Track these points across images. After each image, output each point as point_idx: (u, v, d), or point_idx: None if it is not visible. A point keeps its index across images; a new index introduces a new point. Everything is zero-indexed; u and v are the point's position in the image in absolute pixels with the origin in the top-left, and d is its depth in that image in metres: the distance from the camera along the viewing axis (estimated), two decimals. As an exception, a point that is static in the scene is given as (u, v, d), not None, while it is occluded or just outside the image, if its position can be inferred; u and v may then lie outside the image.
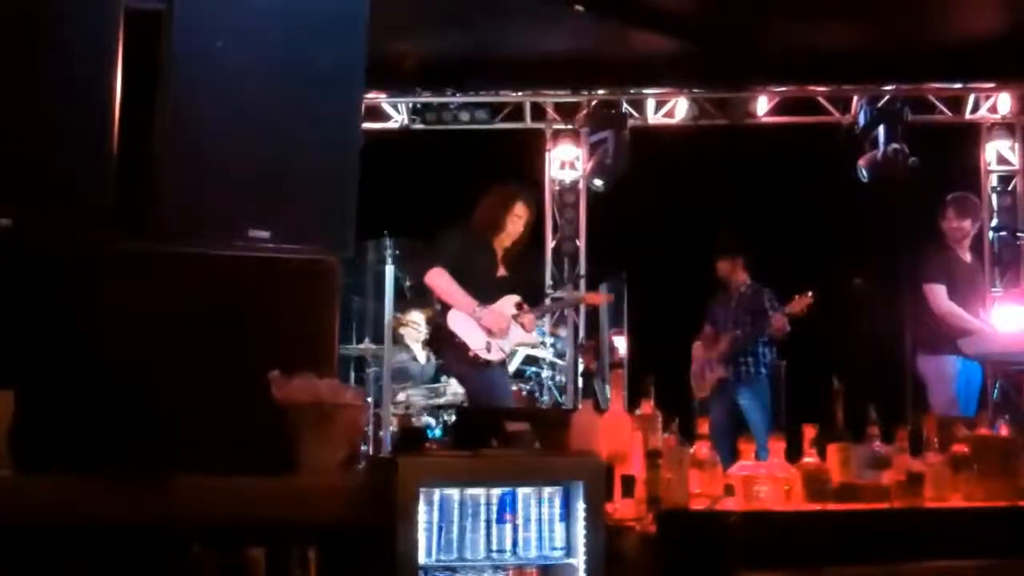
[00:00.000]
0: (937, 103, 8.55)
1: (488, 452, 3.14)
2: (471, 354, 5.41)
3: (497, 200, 5.69)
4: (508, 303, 5.61)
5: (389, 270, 6.77)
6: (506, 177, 6.14)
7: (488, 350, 5.43)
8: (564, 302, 6.17)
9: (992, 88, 8.51)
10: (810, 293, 6.77)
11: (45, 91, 3.14)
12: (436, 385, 7.58)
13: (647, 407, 3.53)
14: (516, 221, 5.66)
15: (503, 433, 3.23)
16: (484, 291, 5.48)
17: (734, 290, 7.07)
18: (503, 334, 5.48)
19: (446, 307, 5.48)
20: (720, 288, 7.17)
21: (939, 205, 6.48)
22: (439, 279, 5.43)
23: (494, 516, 2.94)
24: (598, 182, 8.33)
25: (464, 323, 5.43)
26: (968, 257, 6.41)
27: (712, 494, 3.33)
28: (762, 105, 8.59)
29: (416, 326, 8.00)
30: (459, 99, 8.59)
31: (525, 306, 5.71)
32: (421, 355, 8.04)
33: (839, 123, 8.57)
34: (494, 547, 2.94)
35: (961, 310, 6.10)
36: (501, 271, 5.66)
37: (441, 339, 5.64)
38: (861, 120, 8.32)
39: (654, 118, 8.69)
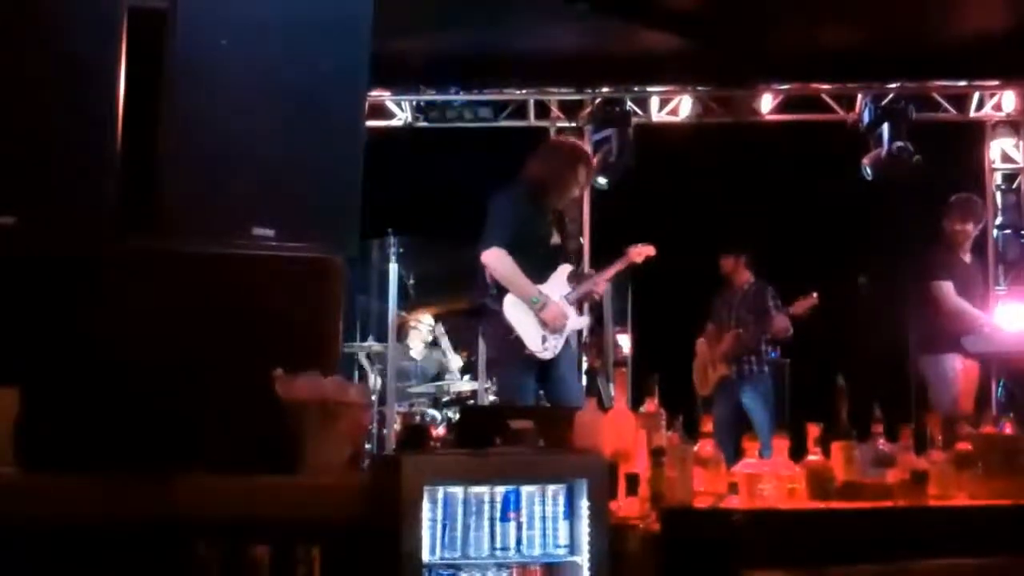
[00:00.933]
0: (941, 101, 8.53)
1: (492, 450, 3.14)
2: (526, 352, 5.02)
3: (563, 161, 5.28)
4: (561, 276, 5.24)
5: (393, 268, 6.78)
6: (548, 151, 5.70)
7: (544, 348, 5.04)
8: (615, 265, 5.66)
9: (996, 86, 8.49)
10: (814, 294, 6.76)
11: (49, 90, 3.15)
12: (440, 383, 7.59)
13: (651, 405, 3.54)
14: (577, 186, 5.32)
15: (507, 431, 3.24)
16: (539, 261, 5.09)
17: (737, 288, 7.06)
18: (560, 329, 5.10)
19: (501, 292, 5.03)
20: (723, 286, 7.17)
21: (943, 204, 6.48)
22: (499, 260, 4.97)
23: (498, 514, 2.94)
24: (602, 180, 8.31)
25: (521, 314, 5.01)
26: (968, 259, 6.42)
27: (716, 492, 3.33)
28: (766, 103, 8.58)
29: (420, 325, 8.02)
30: (463, 97, 8.58)
31: (592, 271, 5.36)
32: (421, 354, 8.05)
33: (843, 121, 8.56)
34: (498, 545, 2.94)
35: (970, 306, 6.12)
36: (555, 238, 5.26)
37: (490, 329, 5.17)
38: (865, 118, 8.31)
39: (658, 116, 8.68)
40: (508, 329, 5.02)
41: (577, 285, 5.33)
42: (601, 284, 5.48)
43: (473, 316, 5.51)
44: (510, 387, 5.21)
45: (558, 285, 5.20)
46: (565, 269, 5.29)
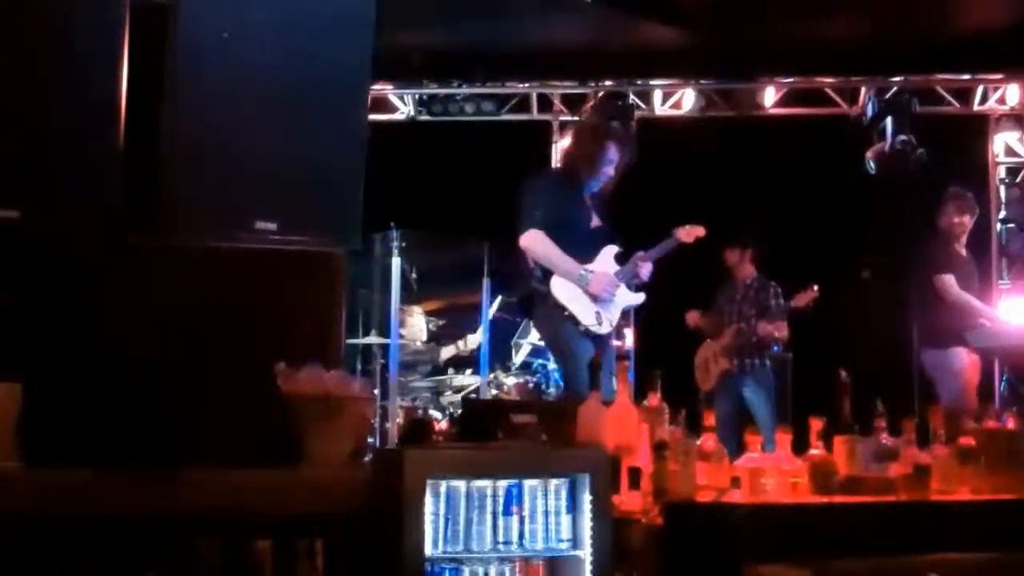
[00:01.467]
0: (945, 95, 8.53)
1: (494, 444, 3.14)
2: (582, 328, 5.00)
3: (589, 140, 5.26)
4: (607, 256, 5.18)
5: (395, 262, 6.78)
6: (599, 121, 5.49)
7: (599, 322, 5.02)
8: (662, 247, 5.43)
9: (1000, 79, 8.48)
10: (815, 287, 6.75)
11: (51, 87, 3.14)
12: (442, 377, 7.60)
13: (653, 399, 3.54)
14: (608, 165, 5.18)
15: (509, 425, 3.24)
16: (580, 246, 5.04)
17: (740, 282, 7.05)
18: (611, 299, 5.06)
19: (547, 274, 5.01)
20: (726, 279, 7.16)
21: (943, 196, 6.48)
22: (537, 243, 4.96)
23: (500, 508, 2.94)
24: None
25: (569, 292, 4.99)
26: (964, 252, 6.42)
27: (718, 486, 3.33)
28: (769, 96, 8.57)
29: (421, 318, 8.02)
30: (465, 90, 8.58)
31: (640, 253, 5.24)
32: (424, 348, 8.04)
33: (847, 115, 8.55)
34: (500, 539, 2.94)
35: (973, 298, 6.12)
36: (595, 221, 5.20)
37: (543, 311, 5.13)
38: (869, 112, 8.30)
39: (661, 109, 8.68)
40: (561, 307, 4.99)
41: (624, 266, 5.24)
42: (645, 267, 5.32)
43: (522, 305, 5.45)
44: (572, 354, 5.06)
45: (605, 265, 5.14)
46: (611, 250, 5.22)
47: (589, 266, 5.05)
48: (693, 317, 7.09)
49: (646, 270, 5.29)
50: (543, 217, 4.97)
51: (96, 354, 3.18)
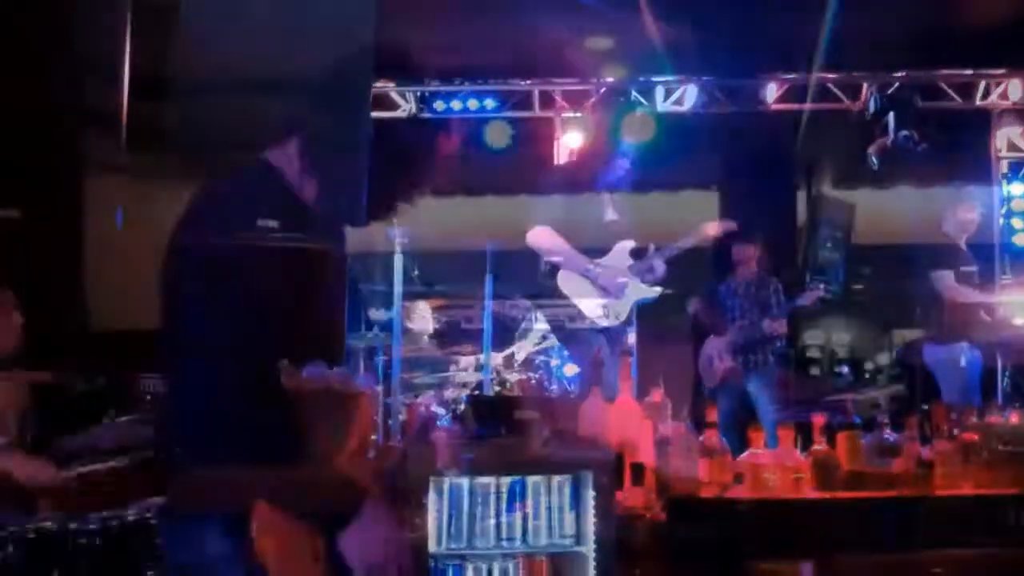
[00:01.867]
0: (947, 90, 8.51)
1: (498, 441, 3.14)
2: (587, 322, 5.08)
3: (600, 136, 5.42)
4: (622, 251, 5.23)
5: (398, 259, 6.77)
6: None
7: (605, 315, 5.09)
8: (684, 241, 5.44)
9: (1003, 74, 8.46)
10: (821, 286, 6.75)
11: (52, 88, 3.15)
12: (445, 374, 7.59)
13: (656, 395, 3.54)
14: (622, 158, 5.28)
15: (513, 422, 3.24)
16: (592, 240, 5.10)
17: (741, 279, 7.04)
18: (620, 292, 5.09)
19: (554, 268, 5.09)
20: (728, 274, 7.15)
21: (948, 193, 6.49)
22: (543, 238, 5.05)
23: (504, 505, 2.95)
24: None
25: (577, 285, 5.07)
26: (966, 248, 6.43)
27: (721, 482, 3.34)
28: (771, 92, 8.56)
29: (423, 316, 8.01)
30: (467, 87, 8.58)
31: (652, 248, 5.26)
32: (427, 345, 8.03)
33: (849, 110, 8.54)
34: (504, 536, 2.95)
35: (975, 295, 6.13)
36: (610, 215, 5.25)
37: (553, 306, 5.23)
38: (871, 107, 8.29)
39: (663, 105, 8.67)
40: (567, 302, 5.06)
41: (637, 261, 5.26)
42: (659, 263, 5.34)
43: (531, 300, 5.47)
44: (580, 346, 5.13)
45: (619, 260, 5.18)
46: (625, 245, 5.25)
47: (601, 260, 5.05)
48: (695, 305, 7.10)
49: (660, 266, 5.30)
50: (551, 213, 5.01)
51: (97, 349, 3.19)
